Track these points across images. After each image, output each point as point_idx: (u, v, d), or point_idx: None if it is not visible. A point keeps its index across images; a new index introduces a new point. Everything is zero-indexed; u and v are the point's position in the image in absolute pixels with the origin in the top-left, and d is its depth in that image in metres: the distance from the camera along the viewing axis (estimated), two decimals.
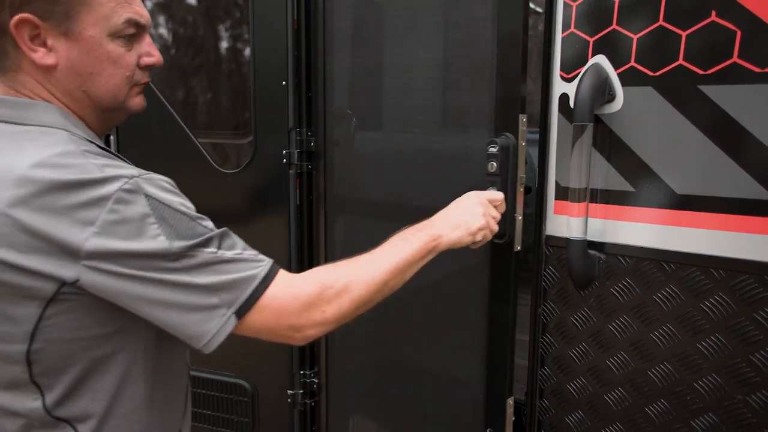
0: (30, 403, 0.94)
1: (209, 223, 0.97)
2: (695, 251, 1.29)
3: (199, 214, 0.96)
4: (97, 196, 0.87)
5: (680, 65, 1.27)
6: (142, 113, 1.09)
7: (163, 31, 2.15)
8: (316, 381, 2.05)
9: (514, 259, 1.58)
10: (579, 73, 1.39)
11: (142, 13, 1.02)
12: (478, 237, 1.32)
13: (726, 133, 1.23)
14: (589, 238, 1.43)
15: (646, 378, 1.39)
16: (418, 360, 1.88)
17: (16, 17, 0.91)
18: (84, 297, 0.90)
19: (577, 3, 1.40)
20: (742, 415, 1.27)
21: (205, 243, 0.93)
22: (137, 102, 1.07)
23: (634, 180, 1.36)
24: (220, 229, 0.97)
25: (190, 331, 0.94)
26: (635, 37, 1.33)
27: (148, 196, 0.90)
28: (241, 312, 0.96)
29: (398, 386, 1.91)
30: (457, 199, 1.36)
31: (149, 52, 1.05)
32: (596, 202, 1.42)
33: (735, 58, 1.21)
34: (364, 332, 1.93)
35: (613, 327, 1.42)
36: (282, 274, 1.01)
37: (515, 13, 1.50)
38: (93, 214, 0.87)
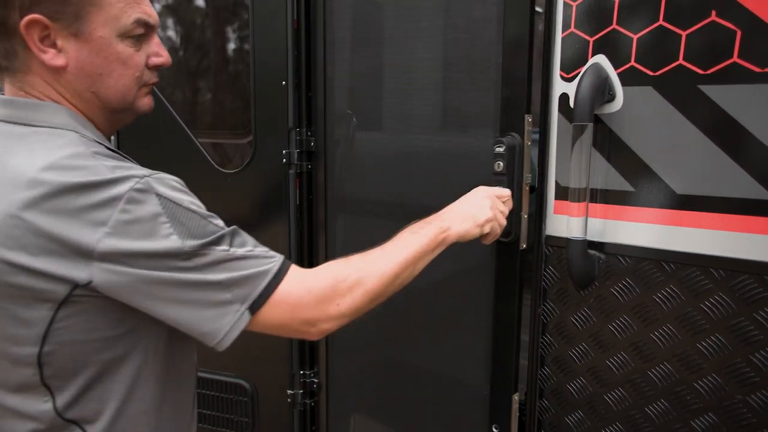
0: (40, 405, 0.94)
1: (220, 222, 0.97)
2: (695, 251, 1.29)
3: (209, 213, 0.97)
4: (109, 197, 0.87)
5: (680, 65, 1.27)
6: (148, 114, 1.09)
7: (162, 31, 2.15)
8: (315, 381, 2.05)
9: (519, 257, 1.58)
10: (579, 72, 1.39)
11: (151, 13, 1.02)
12: (486, 228, 1.33)
13: (726, 133, 1.23)
14: (589, 238, 1.42)
15: (646, 378, 1.38)
16: (420, 359, 1.88)
17: (27, 18, 0.91)
18: (96, 299, 0.90)
19: (577, 3, 1.40)
20: (742, 415, 1.27)
21: (217, 241, 0.93)
22: (145, 102, 1.07)
23: (634, 180, 1.36)
24: (231, 227, 0.97)
25: (204, 328, 0.94)
26: (635, 37, 1.33)
27: (159, 196, 0.90)
28: (255, 307, 0.95)
29: (399, 385, 1.91)
30: (465, 195, 1.38)
31: (158, 52, 1.05)
32: (596, 202, 1.42)
33: (735, 58, 1.21)
34: (364, 332, 1.93)
35: (613, 327, 1.42)
36: (294, 269, 1.01)
37: (521, 14, 1.51)
38: (105, 215, 0.86)
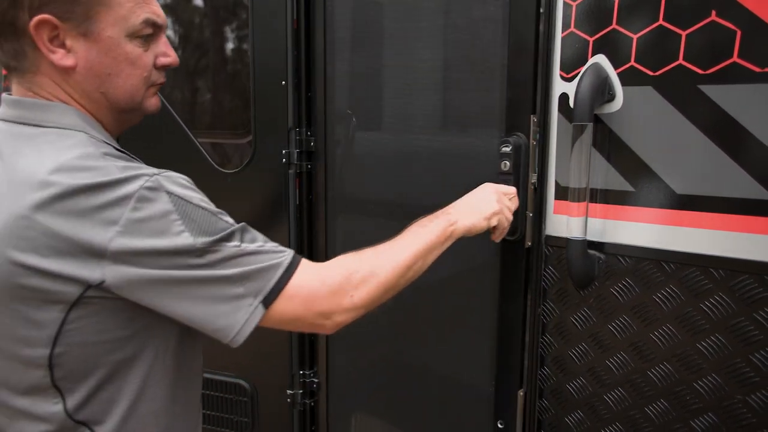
0: (51, 407, 0.93)
1: (229, 218, 0.97)
2: (695, 251, 1.29)
3: (219, 210, 0.97)
4: (120, 196, 0.87)
5: (680, 65, 1.27)
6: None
7: None
8: (315, 381, 2.05)
9: (524, 255, 1.59)
10: (579, 72, 1.39)
11: (159, 13, 1.02)
12: (493, 221, 1.33)
13: (726, 133, 1.23)
14: (589, 237, 1.42)
15: (646, 378, 1.38)
16: (422, 357, 1.87)
17: (36, 18, 0.90)
18: (107, 299, 0.90)
19: (577, 2, 1.40)
20: (742, 415, 1.27)
21: (228, 237, 0.94)
22: (153, 103, 1.07)
23: (634, 180, 1.36)
24: (240, 224, 0.98)
25: (218, 323, 0.94)
26: (635, 37, 1.33)
27: (169, 193, 0.90)
28: (269, 301, 0.95)
29: (399, 385, 1.91)
30: (472, 191, 1.39)
31: (165, 52, 1.05)
32: (596, 202, 1.42)
33: (735, 58, 1.20)
34: (364, 331, 1.93)
35: (613, 327, 1.42)
36: (306, 262, 1.01)
37: (527, 15, 1.50)
38: (116, 214, 0.86)
